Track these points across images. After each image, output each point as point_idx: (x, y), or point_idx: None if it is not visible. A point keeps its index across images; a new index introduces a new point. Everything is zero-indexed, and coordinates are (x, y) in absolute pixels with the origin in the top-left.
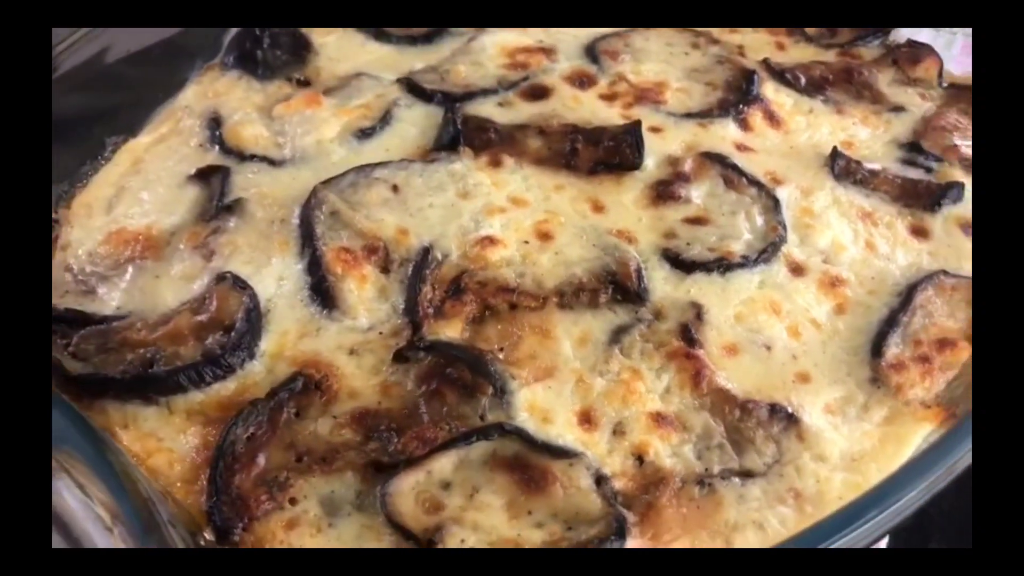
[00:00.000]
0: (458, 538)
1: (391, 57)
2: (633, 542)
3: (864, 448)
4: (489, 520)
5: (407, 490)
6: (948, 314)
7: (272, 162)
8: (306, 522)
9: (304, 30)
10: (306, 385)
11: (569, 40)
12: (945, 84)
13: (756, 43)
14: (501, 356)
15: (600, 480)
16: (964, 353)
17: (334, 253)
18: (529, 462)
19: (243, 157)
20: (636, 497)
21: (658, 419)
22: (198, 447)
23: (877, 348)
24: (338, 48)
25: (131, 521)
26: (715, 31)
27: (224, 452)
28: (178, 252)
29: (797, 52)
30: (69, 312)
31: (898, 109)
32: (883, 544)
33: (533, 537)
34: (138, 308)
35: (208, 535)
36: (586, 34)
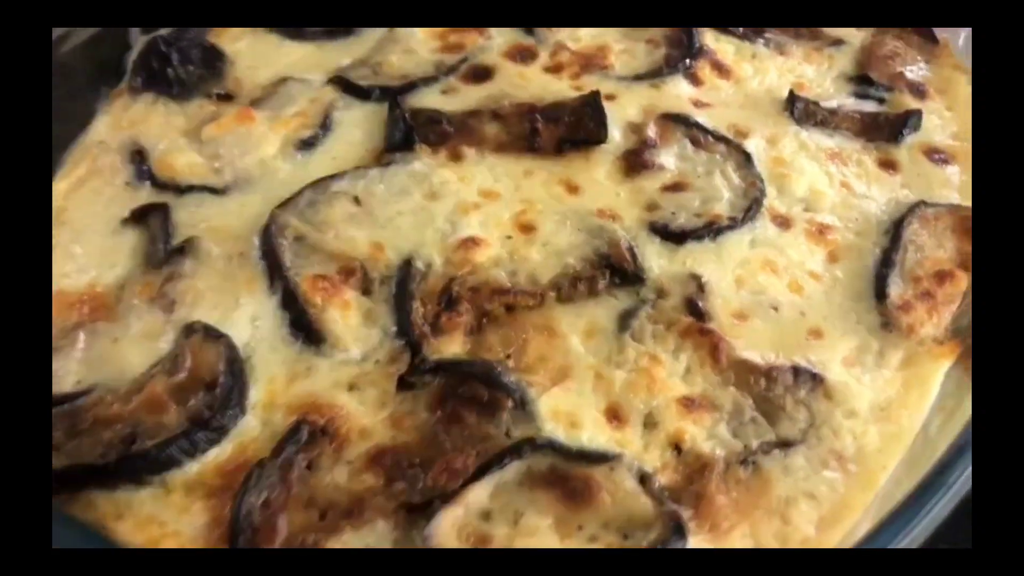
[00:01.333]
0: None
1: (313, 56)
2: (693, 539)
3: (890, 396)
4: (541, 543)
5: (448, 529)
6: (937, 245)
7: (214, 191)
8: None
9: (212, 39)
10: (312, 434)
11: None
12: None
13: None
14: (510, 364)
15: (644, 479)
16: (963, 282)
17: (309, 282)
18: (568, 473)
19: (180, 190)
20: (684, 489)
21: (687, 403)
22: (208, 524)
23: (880, 291)
24: (253, 54)
25: None
26: None
27: (241, 527)
28: (133, 308)
29: None
30: None
31: (838, 42)
32: None
33: None
34: (102, 379)
35: None
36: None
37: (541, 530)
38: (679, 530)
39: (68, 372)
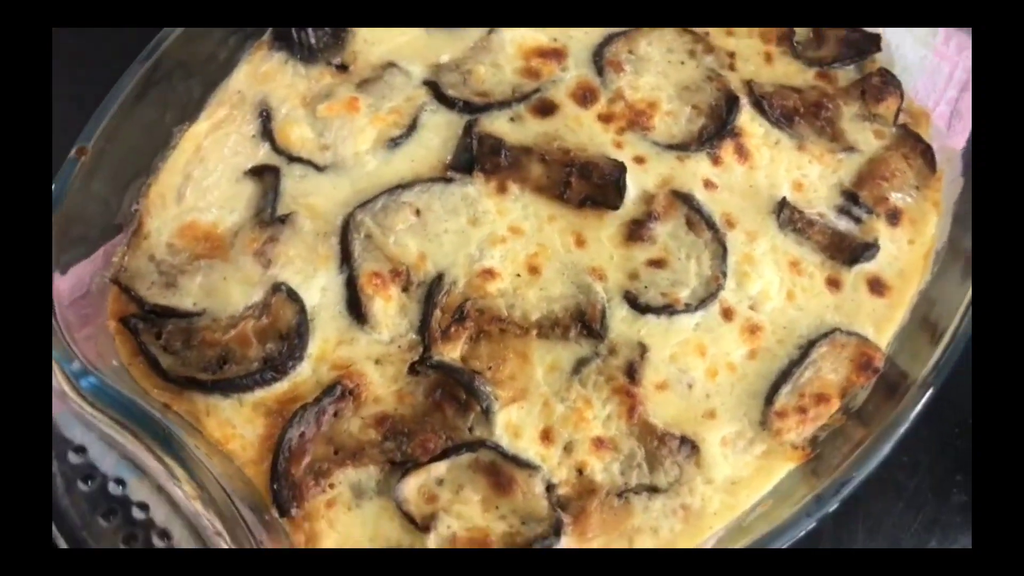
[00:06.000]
0: (445, 524)
1: (421, 41)
2: (565, 539)
3: (742, 476)
4: (468, 511)
5: (412, 487)
6: (832, 369)
7: (316, 167)
8: (341, 502)
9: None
10: (343, 392)
11: (580, 39)
12: (899, 123)
13: (747, 51)
14: (489, 375)
15: (549, 488)
16: (834, 407)
17: (367, 277)
18: (501, 470)
19: (291, 158)
20: (572, 502)
21: (598, 443)
22: (262, 436)
23: (770, 398)
24: (373, 28)
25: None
26: (713, 36)
27: (283, 448)
28: (240, 256)
29: (782, 66)
30: (156, 306)
31: (851, 149)
32: None
33: (497, 528)
34: (211, 307)
35: (273, 513)
36: (596, 31)
37: (472, 503)
38: (557, 531)
39: (189, 293)
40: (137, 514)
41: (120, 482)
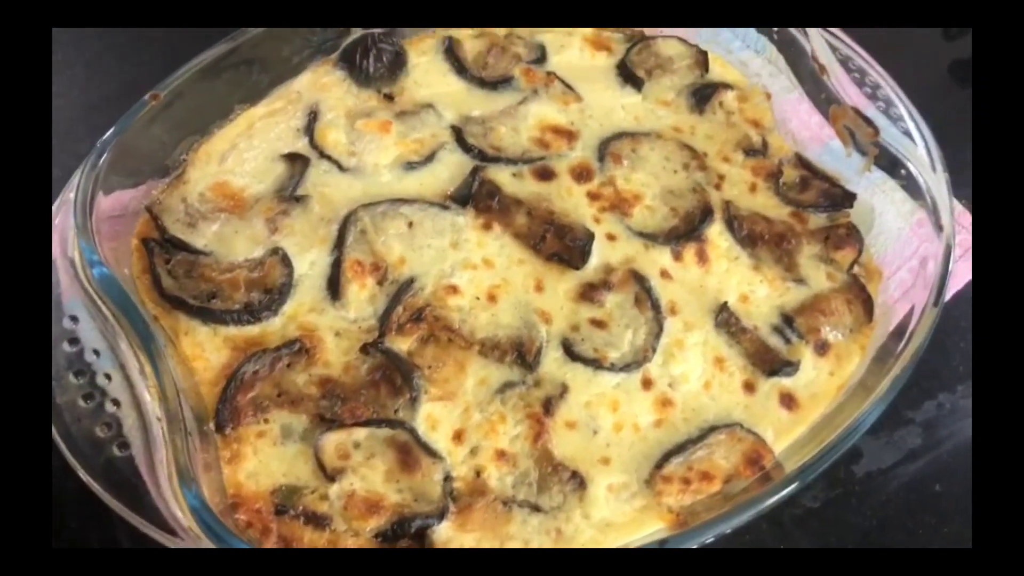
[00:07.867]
0: (349, 480)
1: (461, 95)
2: (446, 524)
3: (616, 521)
4: (372, 476)
5: (331, 442)
6: (724, 456)
7: (340, 167)
8: (269, 436)
9: (407, 44)
10: (301, 348)
11: (594, 128)
12: (852, 272)
13: (736, 177)
14: (427, 372)
15: (447, 479)
16: (715, 487)
17: (351, 262)
18: (411, 451)
19: (322, 154)
20: (462, 496)
21: (501, 455)
22: (224, 364)
23: (661, 464)
24: (426, 73)
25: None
26: (709, 158)
27: (237, 377)
28: (255, 219)
29: (763, 198)
30: (174, 238)
31: (801, 282)
32: None
33: (392, 497)
34: (217, 251)
35: (211, 426)
36: (610, 126)
37: (377, 470)
38: (441, 516)
39: (203, 236)
40: (101, 381)
41: (96, 352)
